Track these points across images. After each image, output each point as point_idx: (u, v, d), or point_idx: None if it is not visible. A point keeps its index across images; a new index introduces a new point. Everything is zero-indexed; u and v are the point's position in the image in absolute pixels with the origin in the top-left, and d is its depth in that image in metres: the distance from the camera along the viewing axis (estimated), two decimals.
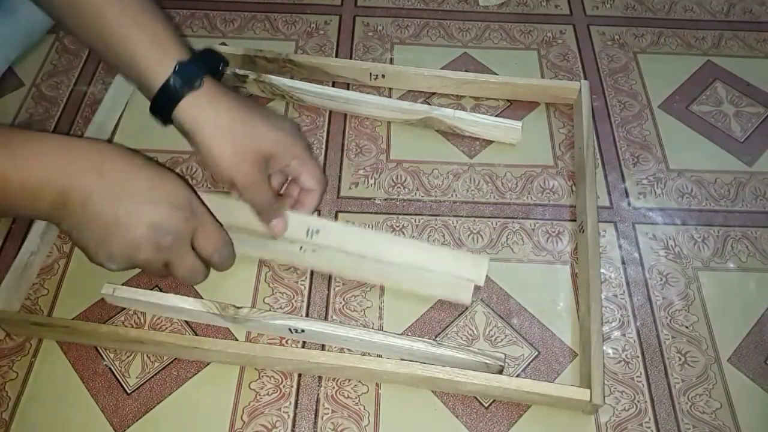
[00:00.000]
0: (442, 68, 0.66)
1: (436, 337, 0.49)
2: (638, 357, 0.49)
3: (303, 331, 0.47)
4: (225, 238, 0.47)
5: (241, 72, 0.61)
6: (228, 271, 0.52)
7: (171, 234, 0.43)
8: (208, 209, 0.46)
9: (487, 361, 0.45)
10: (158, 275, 0.47)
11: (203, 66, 0.46)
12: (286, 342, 0.48)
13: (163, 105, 0.45)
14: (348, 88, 0.64)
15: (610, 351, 0.49)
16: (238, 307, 0.47)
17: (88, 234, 0.42)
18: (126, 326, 0.49)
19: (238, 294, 0.51)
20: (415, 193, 0.57)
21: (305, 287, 0.51)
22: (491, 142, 0.60)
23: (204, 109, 0.45)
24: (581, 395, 0.43)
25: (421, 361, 0.45)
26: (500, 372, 0.45)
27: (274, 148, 0.47)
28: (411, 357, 0.46)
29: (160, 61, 0.44)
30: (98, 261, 0.44)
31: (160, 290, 0.51)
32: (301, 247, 0.50)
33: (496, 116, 0.61)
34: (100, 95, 0.63)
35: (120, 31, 0.44)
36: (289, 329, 0.47)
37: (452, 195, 0.57)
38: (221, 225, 0.47)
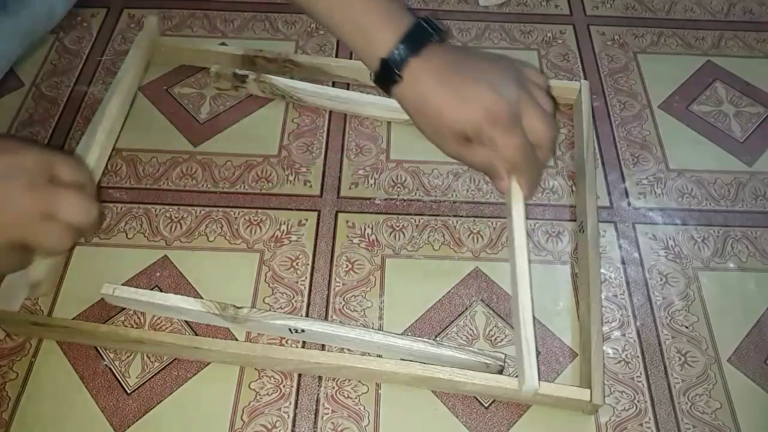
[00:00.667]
0: None
1: (436, 337, 0.49)
2: (638, 357, 0.49)
3: (303, 331, 0.47)
4: (83, 167, 0.42)
5: (240, 72, 0.61)
6: (228, 271, 0.52)
7: (24, 173, 0.37)
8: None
9: (487, 361, 0.45)
10: (48, 240, 0.38)
11: (424, 34, 0.45)
12: (286, 342, 0.48)
13: (387, 73, 0.44)
14: (348, 88, 0.64)
15: (610, 351, 0.49)
16: (238, 307, 0.47)
17: None
18: (126, 326, 0.49)
19: (238, 294, 0.51)
20: (415, 193, 0.57)
21: (305, 287, 0.51)
22: None
23: (420, 79, 0.44)
24: (581, 395, 0.43)
25: (421, 361, 0.45)
26: (500, 372, 0.45)
27: (458, 128, 0.44)
28: (411, 357, 0.46)
29: (385, 31, 0.44)
30: None
31: (161, 290, 0.51)
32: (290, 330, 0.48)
33: None
34: (100, 95, 0.63)
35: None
36: (289, 329, 0.47)
37: (452, 195, 0.57)
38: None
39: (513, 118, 0.44)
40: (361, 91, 0.63)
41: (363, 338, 0.46)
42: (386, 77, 0.45)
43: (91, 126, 0.57)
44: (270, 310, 0.49)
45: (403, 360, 0.45)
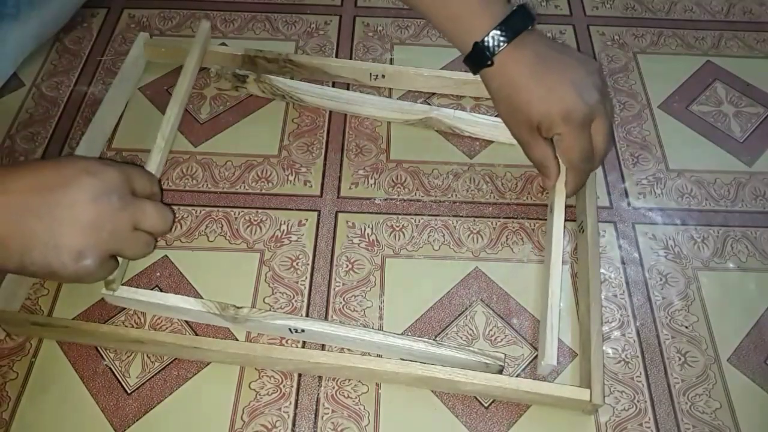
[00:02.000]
0: (442, 68, 0.66)
1: (436, 337, 0.49)
2: (638, 357, 0.49)
3: (303, 331, 0.47)
4: (153, 176, 0.47)
5: (241, 72, 0.61)
6: (228, 271, 0.52)
7: (114, 192, 0.40)
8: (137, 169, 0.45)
9: (487, 361, 0.45)
10: (139, 247, 0.43)
11: (520, 23, 0.47)
12: (286, 342, 0.49)
13: (479, 58, 0.48)
14: (348, 89, 0.64)
15: (609, 351, 0.49)
16: (238, 307, 0.47)
17: (44, 254, 0.38)
18: (126, 326, 0.49)
19: (238, 294, 0.51)
20: (415, 193, 0.57)
21: (305, 287, 0.51)
22: (491, 142, 0.60)
23: (510, 67, 0.47)
24: (581, 395, 0.44)
25: (421, 361, 0.45)
26: (500, 372, 0.45)
27: (536, 119, 0.47)
28: (411, 357, 0.46)
29: (482, 15, 0.47)
30: (71, 270, 0.39)
31: (161, 290, 0.51)
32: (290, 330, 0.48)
33: (495, 116, 0.61)
34: (100, 95, 0.63)
35: None
36: (289, 329, 0.47)
37: (452, 195, 0.57)
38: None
39: (587, 121, 0.47)
40: (361, 91, 0.63)
41: (363, 338, 0.46)
42: (477, 61, 0.48)
43: (92, 126, 0.57)
44: (270, 310, 0.49)
45: (403, 360, 0.46)
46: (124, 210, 0.41)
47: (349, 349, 0.48)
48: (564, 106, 0.46)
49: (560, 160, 0.51)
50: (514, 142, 0.59)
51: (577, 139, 0.47)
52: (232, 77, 0.62)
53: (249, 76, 0.61)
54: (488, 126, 0.59)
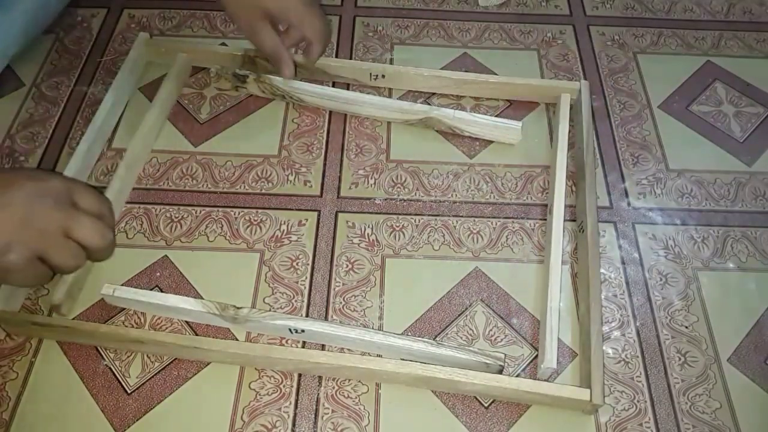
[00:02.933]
0: (442, 68, 0.66)
1: (435, 337, 0.49)
2: (638, 357, 0.49)
3: (303, 331, 0.47)
4: (103, 197, 0.45)
5: (241, 72, 0.61)
6: (228, 271, 0.52)
7: (50, 196, 0.41)
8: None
9: (487, 361, 0.45)
10: (64, 256, 0.41)
11: None
12: (286, 342, 0.48)
13: None
14: (348, 89, 0.64)
15: (610, 351, 0.49)
16: (238, 308, 0.47)
17: None
18: (126, 326, 0.49)
19: (238, 294, 0.51)
20: (415, 193, 0.57)
21: (305, 287, 0.51)
22: (491, 142, 0.60)
23: None
24: (581, 395, 0.44)
25: (421, 361, 0.45)
26: (500, 372, 0.45)
27: (270, 4, 0.53)
28: (411, 357, 0.46)
29: None
30: None
31: (161, 290, 0.51)
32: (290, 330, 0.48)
33: (495, 116, 0.61)
34: (100, 95, 0.63)
35: None
36: (289, 329, 0.47)
37: (452, 195, 0.57)
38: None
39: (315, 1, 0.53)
40: (361, 91, 0.63)
41: (363, 338, 0.46)
42: None
43: (92, 126, 0.57)
44: (270, 310, 0.49)
45: (403, 360, 0.46)
46: (56, 212, 0.40)
47: (349, 349, 0.48)
48: None
49: (310, 49, 0.56)
50: (515, 142, 0.60)
51: (315, 14, 0.54)
52: (232, 77, 0.62)
53: (249, 76, 0.61)
54: (488, 126, 0.59)
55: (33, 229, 0.39)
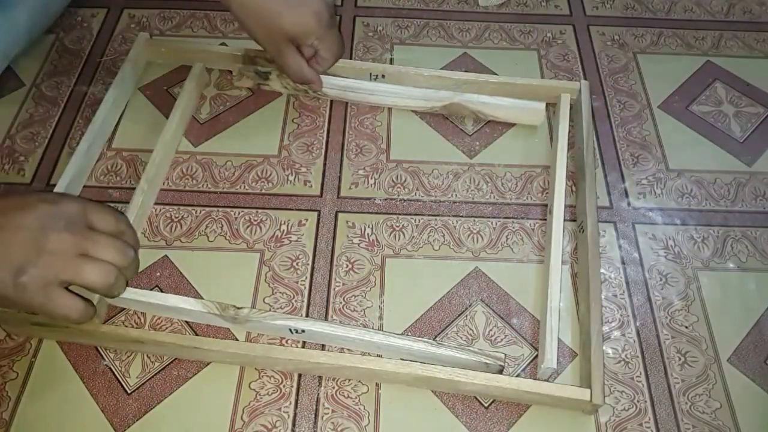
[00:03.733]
0: (442, 68, 0.66)
1: (435, 337, 0.49)
2: (638, 357, 0.49)
3: (303, 331, 0.47)
4: (122, 217, 0.45)
5: (263, 69, 0.61)
6: (228, 271, 0.52)
7: (63, 217, 0.40)
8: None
9: (487, 361, 0.45)
10: (88, 277, 0.40)
11: None
12: (286, 342, 0.49)
13: None
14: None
15: (609, 351, 0.49)
16: (238, 308, 0.47)
17: None
18: (126, 326, 0.49)
19: (238, 294, 0.51)
20: (415, 193, 0.57)
21: (305, 287, 0.51)
22: (491, 142, 0.60)
23: None
24: (581, 395, 0.44)
25: (421, 361, 0.45)
26: (500, 372, 0.45)
27: (293, 30, 0.53)
28: (411, 357, 0.46)
29: None
30: (11, 287, 0.38)
31: (161, 290, 0.51)
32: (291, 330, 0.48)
33: (519, 98, 0.61)
34: (100, 95, 0.63)
35: None
36: (290, 329, 0.47)
37: (452, 195, 0.57)
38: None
39: (333, 19, 0.54)
40: (397, 78, 0.62)
41: (363, 338, 0.46)
42: None
43: (92, 127, 0.57)
44: (270, 310, 0.49)
45: (403, 360, 0.46)
46: (69, 233, 0.40)
47: (349, 349, 0.48)
48: (312, 10, 0.52)
49: (320, 61, 0.56)
50: (538, 123, 0.60)
51: (334, 36, 0.55)
52: (254, 75, 0.62)
53: (272, 72, 0.61)
54: (512, 109, 0.60)
55: (46, 251, 0.39)
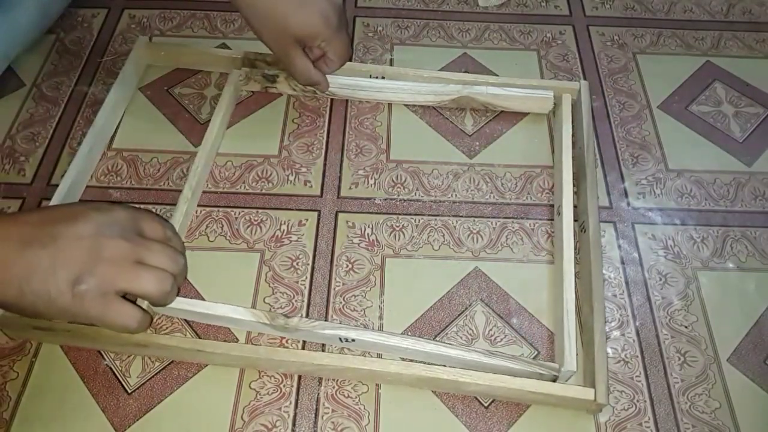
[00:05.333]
0: (442, 69, 0.66)
1: (435, 336, 0.49)
2: (637, 357, 0.49)
3: (354, 340, 0.46)
4: (168, 225, 0.45)
5: (271, 72, 0.61)
6: (228, 271, 0.52)
7: (116, 224, 0.40)
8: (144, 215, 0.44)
9: (542, 371, 0.44)
10: (147, 285, 0.40)
11: None
12: (287, 342, 0.49)
13: None
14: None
15: (609, 351, 0.49)
16: (287, 317, 0.46)
17: (42, 280, 0.37)
18: None
19: (239, 294, 0.51)
20: (415, 193, 0.57)
21: (305, 287, 0.51)
22: (491, 142, 0.61)
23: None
24: (585, 395, 0.44)
25: (475, 369, 0.44)
26: (554, 380, 0.45)
27: (300, 32, 0.52)
28: (463, 366, 0.45)
29: None
30: (68, 297, 0.38)
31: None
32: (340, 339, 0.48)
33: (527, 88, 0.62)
34: (101, 96, 0.63)
35: None
36: (339, 338, 0.47)
37: (452, 195, 0.57)
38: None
39: (342, 20, 0.54)
40: (397, 79, 0.62)
41: (414, 348, 0.45)
42: None
43: (92, 127, 0.57)
44: (316, 320, 0.48)
45: (404, 360, 0.46)
46: (125, 241, 0.40)
47: (350, 350, 0.48)
48: (320, 10, 0.51)
49: (328, 63, 0.56)
50: (547, 111, 0.61)
51: (342, 39, 0.54)
52: (262, 78, 0.62)
53: (279, 75, 0.61)
54: (522, 99, 0.60)
55: (103, 259, 0.39)
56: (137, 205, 0.55)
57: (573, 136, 0.60)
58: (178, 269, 0.42)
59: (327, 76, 0.59)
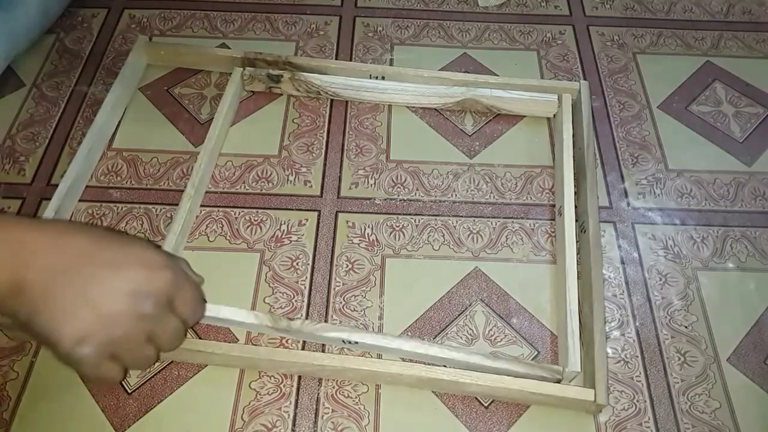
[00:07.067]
0: (442, 69, 0.66)
1: (435, 336, 0.49)
2: (637, 357, 0.49)
3: (357, 342, 0.46)
4: (202, 296, 0.41)
5: (274, 72, 0.61)
6: (228, 271, 0.52)
7: (152, 298, 0.36)
8: (186, 266, 0.41)
9: (546, 374, 0.44)
10: (139, 360, 0.37)
11: None
12: (287, 342, 0.49)
13: None
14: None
15: (609, 351, 0.49)
16: (290, 319, 0.47)
17: (52, 319, 0.34)
18: None
19: (239, 294, 0.51)
20: (415, 193, 0.57)
21: (305, 287, 0.51)
22: (491, 142, 0.60)
23: None
24: (585, 395, 0.44)
25: (476, 371, 0.44)
26: (558, 382, 0.45)
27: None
28: (467, 368, 0.45)
29: None
30: (65, 349, 0.34)
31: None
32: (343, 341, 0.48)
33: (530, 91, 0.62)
34: (101, 96, 0.63)
35: None
36: (342, 341, 0.47)
37: (452, 195, 0.57)
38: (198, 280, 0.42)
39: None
40: (397, 79, 0.62)
41: (417, 350, 0.45)
42: None
43: (92, 127, 0.57)
44: (320, 322, 0.49)
45: (405, 360, 0.46)
46: (148, 320, 0.36)
47: (350, 350, 0.48)
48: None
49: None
50: (551, 114, 0.61)
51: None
52: (266, 78, 0.62)
53: (283, 75, 0.61)
54: (526, 101, 0.60)
55: (117, 332, 0.35)
56: (137, 206, 0.55)
57: (573, 136, 0.60)
58: (173, 348, 0.38)
59: (329, 77, 0.58)
